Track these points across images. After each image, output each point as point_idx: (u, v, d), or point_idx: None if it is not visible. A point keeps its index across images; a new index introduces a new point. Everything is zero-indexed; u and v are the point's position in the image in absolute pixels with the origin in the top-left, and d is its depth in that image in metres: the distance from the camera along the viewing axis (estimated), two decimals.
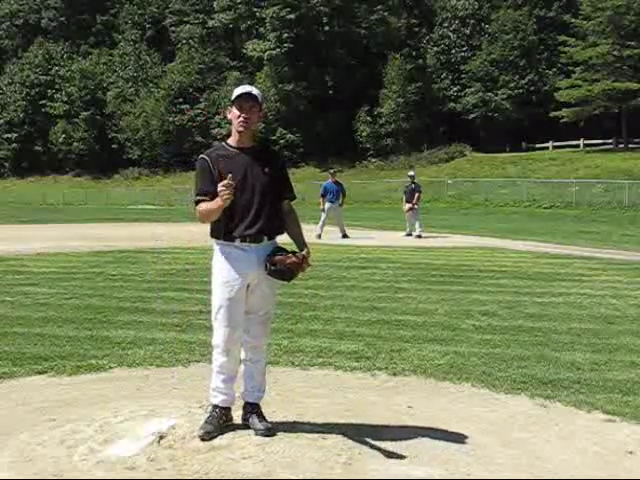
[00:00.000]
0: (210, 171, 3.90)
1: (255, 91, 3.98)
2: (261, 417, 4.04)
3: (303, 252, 4.00)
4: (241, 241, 3.91)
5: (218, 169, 3.88)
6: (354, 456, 3.70)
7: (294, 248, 4.05)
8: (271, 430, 3.95)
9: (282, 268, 3.88)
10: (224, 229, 3.93)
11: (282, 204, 4.07)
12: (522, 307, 8.18)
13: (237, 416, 4.13)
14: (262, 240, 3.94)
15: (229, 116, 4.00)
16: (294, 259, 3.91)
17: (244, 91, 3.94)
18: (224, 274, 3.93)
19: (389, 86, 55.31)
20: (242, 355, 4.11)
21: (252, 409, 4.07)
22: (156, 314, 7.65)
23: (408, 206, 19.20)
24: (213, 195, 3.84)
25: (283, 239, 4.07)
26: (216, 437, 3.85)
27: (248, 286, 3.96)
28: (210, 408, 4.05)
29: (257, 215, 3.91)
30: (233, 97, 3.94)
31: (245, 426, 4.03)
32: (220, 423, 3.95)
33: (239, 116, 3.92)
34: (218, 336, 3.96)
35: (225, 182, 3.76)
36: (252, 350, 4.07)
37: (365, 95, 55.43)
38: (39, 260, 12.87)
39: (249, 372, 4.10)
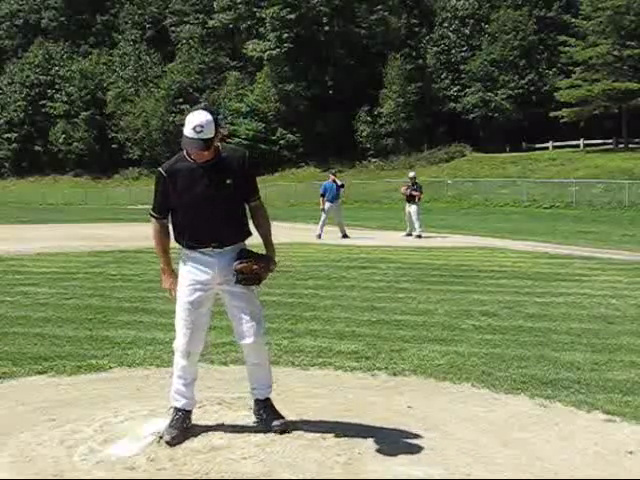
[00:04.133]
0: (166, 188, 3.92)
1: (206, 132, 3.74)
2: (274, 412, 4.06)
3: (268, 254, 4.03)
4: (204, 247, 3.93)
5: (174, 186, 3.89)
6: (354, 456, 3.70)
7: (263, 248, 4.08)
8: (287, 425, 3.99)
9: (248, 275, 3.90)
10: (187, 238, 3.95)
11: (249, 207, 4.05)
12: (522, 307, 8.17)
13: (238, 416, 4.13)
14: (225, 247, 3.95)
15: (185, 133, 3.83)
16: (260, 264, 3.93)
17: (194, 140, 3.75)
18: (188, 278, 3.95)
19: (389, 86, 55.30)
20: (245, 358, 4.12)
21: (264, 404, 4.09)
22: (156, 314, 7.65)
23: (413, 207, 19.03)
24: (165, 208, 3.97)
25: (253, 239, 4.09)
26: (182, 441, 3.82)
27: (224, 292, 3.98)
28: (172, 411, 4.01)
29: (218, 226, 3.91)
30: (184, 133, 3.77)
31: (259, 421, 4.04)
32: (184, 426, 3.92)
33: (191, 154, 3.85)
34: (179, 339, 3.97)
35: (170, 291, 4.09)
36: (252, 352, 4.06)
37: (365, 95, 55.41)
38: (39, 260, 12.87)
39: (254, 374, 4.11)
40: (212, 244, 3.92)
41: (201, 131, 3.75)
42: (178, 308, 3.98)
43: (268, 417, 4.04)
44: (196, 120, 3.77)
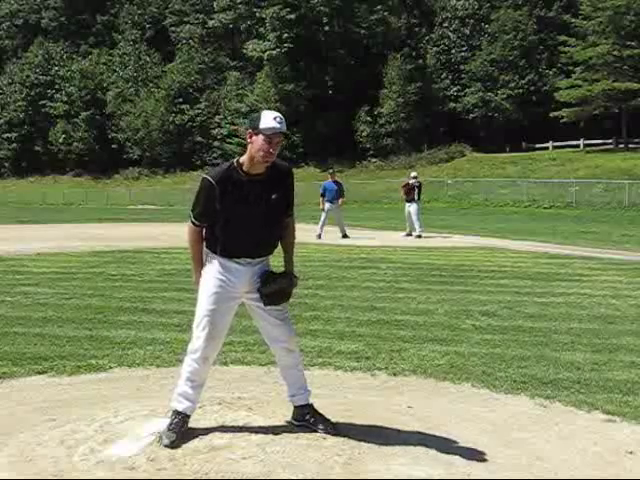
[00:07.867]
0: (213, 196, 3.79)
1: (284, 125, 3.76)
2: (322, 416, 4.04)
3: (289, 270, 4.03)
4: (237, 257, 3.90)
5: (222, 195, 3.77)
6: (354, 456, 3.70)
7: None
8: (336, 428, 3.97)
9: (276, 296, 3.90)
10: (221, 246, 3.89)
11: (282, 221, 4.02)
12: (522, 307, 8.18)
13: (238, 416, 4.12)
14: (257, 258, 3.95)
15: (249, 140, 3.79)
16: (284, 281, 3.94)
17: (278, 128, 3.71)
18: (215, 284, 3.88)
19: (389, 86, 55.33)
20: (279, 362, 4.11)
21: (309, 410, 4.07)
22: (156, 314, 7.65)
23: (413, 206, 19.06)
24: (209, 217, 3.85)
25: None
26: (181, 444, 3.78)
27: (250, 299, 3.95)
28: (171, 414, 3.95)
29: (258, 240, 3.89)
30: (262, 126, 3.71)
31: (299, 426, 4.02)
32: (182, 430, 3.87)
33: (265, 150, 3.72)
34: (198, 343, 3.89)
35: None
36: (286, 355, 4.03)
37: (365, 95, 55.42)
38: (39, 260, 12.87)
39: (291, 378, 4.09)
40: (247, 256, 3.89)
41: (282, 122, 3.75)
42: (200, 313, 3.89)
43: (317, 421, 4.00)
44: (275, 113, 3.79)
